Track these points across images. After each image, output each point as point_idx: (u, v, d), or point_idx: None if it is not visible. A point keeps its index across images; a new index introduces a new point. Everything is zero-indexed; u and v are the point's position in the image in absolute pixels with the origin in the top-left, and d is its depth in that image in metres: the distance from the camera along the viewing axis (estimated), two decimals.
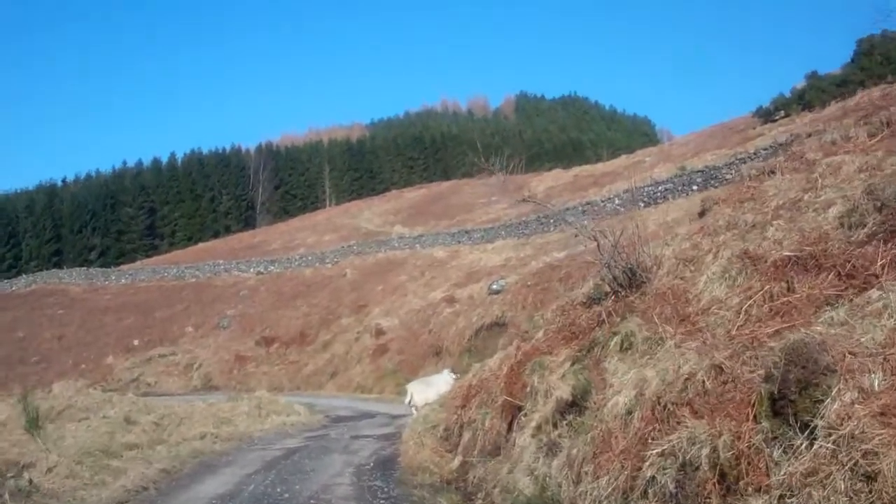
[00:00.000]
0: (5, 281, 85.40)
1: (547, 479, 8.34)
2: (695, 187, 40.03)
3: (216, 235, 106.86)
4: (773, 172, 11.55)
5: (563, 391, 8.61)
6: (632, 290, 9.93)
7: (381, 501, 10.60)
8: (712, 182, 38.51)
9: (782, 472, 4.91)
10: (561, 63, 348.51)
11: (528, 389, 10.03)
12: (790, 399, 5.12)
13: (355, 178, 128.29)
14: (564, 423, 8.58)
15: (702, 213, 13.37)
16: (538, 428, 9.20)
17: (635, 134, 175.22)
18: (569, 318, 11.42)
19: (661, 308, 8.79)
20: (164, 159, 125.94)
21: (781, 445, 5.08)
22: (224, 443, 17.76)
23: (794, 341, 5.31)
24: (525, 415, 9.90)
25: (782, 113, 51.46)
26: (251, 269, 70.44)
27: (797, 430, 5.02)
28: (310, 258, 68.89)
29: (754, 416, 5.39)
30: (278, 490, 11.43)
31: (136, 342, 57.09)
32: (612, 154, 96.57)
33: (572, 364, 9.57)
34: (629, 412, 7.45)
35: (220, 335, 55.35)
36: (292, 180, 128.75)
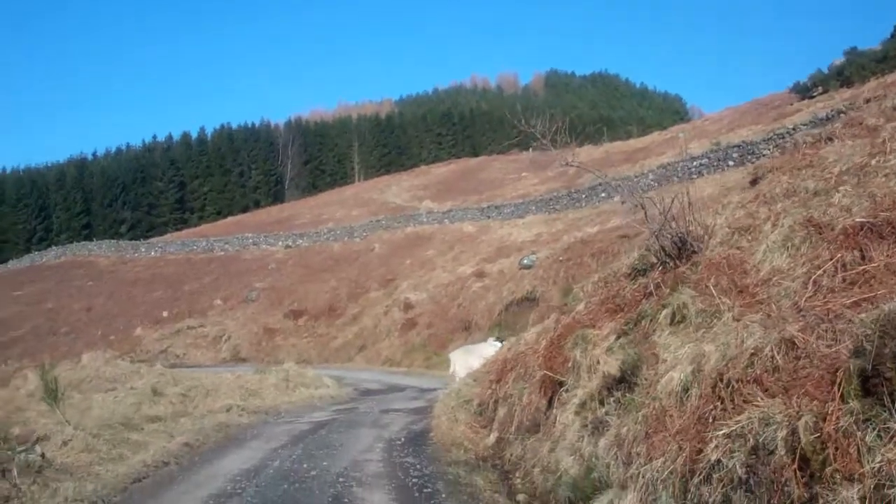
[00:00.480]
0: (36, 253, 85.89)
1: (593, 459, 7.77)
2: (731, 163, 39.31)
3: (245, 210, 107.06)
4: (830, 139, 10.88)
5: (611, 366, 8.02)
6: (681, 260, 9.34)
7: (415, 480, 10.06)
8: (749, 157, 37.83)
9: (878, 459, 4.31)
10: (591, 40, 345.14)
11: (570, 364, 9.46)
12: (885, 377, 4.52)
13: (384, 154, 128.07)
14: (612, 399, 8.00)
15: (754, 182, 12.69)
16: (582, 405, 8.63)
17: (666, 112, 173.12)
18: (612, 290, 10.83)
19: (717, 279, 8.19)
20: (194, 134, 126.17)
21: (875, 428, 4.47)
22: (250, 415, 17.31)
23: (889, 311, 4.70)
24: (566, 390, 9.34)
25: (820, 89, 50.50)
26: (279, 243, 70.46)
27: (894, 411, 4.43)
28: (338, 232, 68.88)
29: (841, 396, 4.79)
30: (305, 466, 10.90)
31: (164, 314, 57.22)
32: (643, 131, 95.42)
33: (618, 338, 9.01)
34: (685, 389, 6.88)
35: (248, 308, 55.25)
36: (321, 155, 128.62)
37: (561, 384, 9.58)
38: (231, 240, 73.92)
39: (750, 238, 8.80)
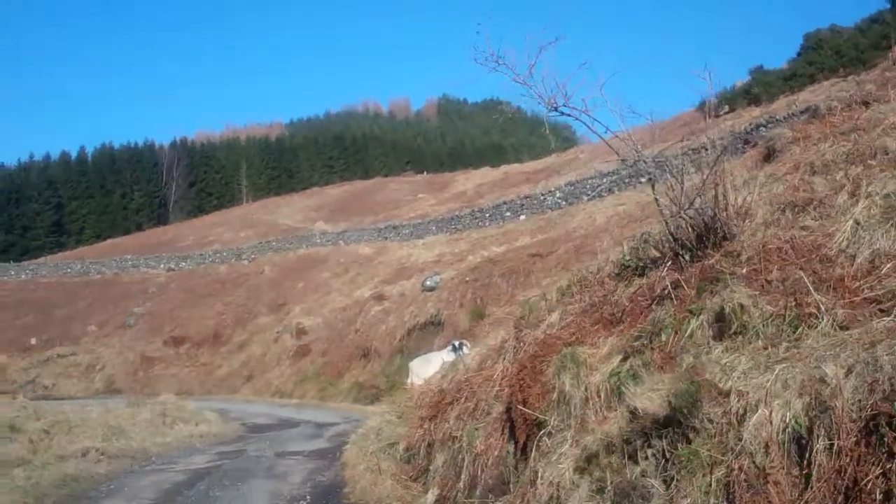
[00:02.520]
0: None
1: None
2: (643, 179, 37.54)
3: (127, 233, 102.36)
4: (866, 103, 8.54)
5: (651, 401, 5.23)
6: (704, 249, 6.73)
7: None
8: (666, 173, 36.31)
9: None
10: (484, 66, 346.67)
11: (556, 396, 6.69)
12: None
13: (273, 177, 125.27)
14: (650, 451, 5.24)
15: (767, 157, 10.40)
16: (589, 458, 5.81)
17: (557, 139, 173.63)
18: (595, 295, 8.12)
19: (783, 271, 5.59)
20: (74, 153, 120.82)
21: None
22: (111, 461, 13.89)
23: None
24: (549, 434, 6.57)
25: (727, 108, 49.81)
26: (161, 265, 67.41)
27: None
28: (225, 254, 66.11)
29: None
30: None
31: (33, 341, 53.77)
32: (536, 157, 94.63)
33: (625, 359, 6.30)
34: (797, 438, 4.20)
35: (125, 334, 52.33)
36: (208, 177, 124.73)
37: (539, 425, 6.79)
38: (109, 262, 70.38)
39: (817, 215, 6.27)
